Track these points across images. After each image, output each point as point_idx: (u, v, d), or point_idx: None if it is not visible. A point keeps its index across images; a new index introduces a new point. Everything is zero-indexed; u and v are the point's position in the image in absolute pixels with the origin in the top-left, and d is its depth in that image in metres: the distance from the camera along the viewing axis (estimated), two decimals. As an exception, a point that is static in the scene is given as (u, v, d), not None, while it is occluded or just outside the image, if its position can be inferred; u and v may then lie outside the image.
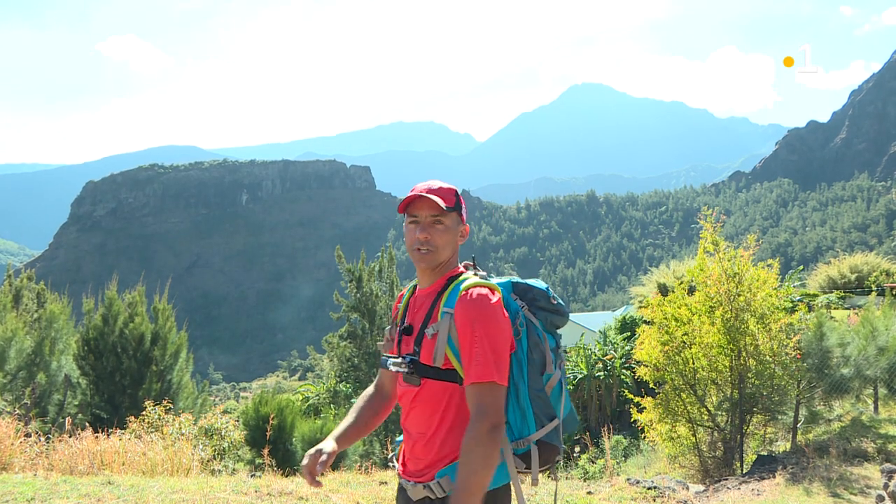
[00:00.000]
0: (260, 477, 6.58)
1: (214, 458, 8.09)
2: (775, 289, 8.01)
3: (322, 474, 2.18)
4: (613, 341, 22.55)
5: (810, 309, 14.79)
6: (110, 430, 7.49)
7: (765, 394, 7.90)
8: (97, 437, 7.03)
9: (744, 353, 7.80)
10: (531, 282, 2.25)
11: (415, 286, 2.27)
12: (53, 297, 14.50)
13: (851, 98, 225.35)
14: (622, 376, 20.35)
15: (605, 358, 21.42)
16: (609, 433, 9.08)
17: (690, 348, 8.06)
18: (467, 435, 1.90)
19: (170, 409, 8.61)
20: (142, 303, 12.13)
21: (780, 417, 8.22)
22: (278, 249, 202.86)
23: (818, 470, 6.58)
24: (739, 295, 7.82)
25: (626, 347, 20.93)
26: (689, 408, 8.19)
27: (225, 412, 10.36)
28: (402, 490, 2.17)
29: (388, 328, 2.31)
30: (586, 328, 35.55)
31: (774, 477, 6.58)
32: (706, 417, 8.25)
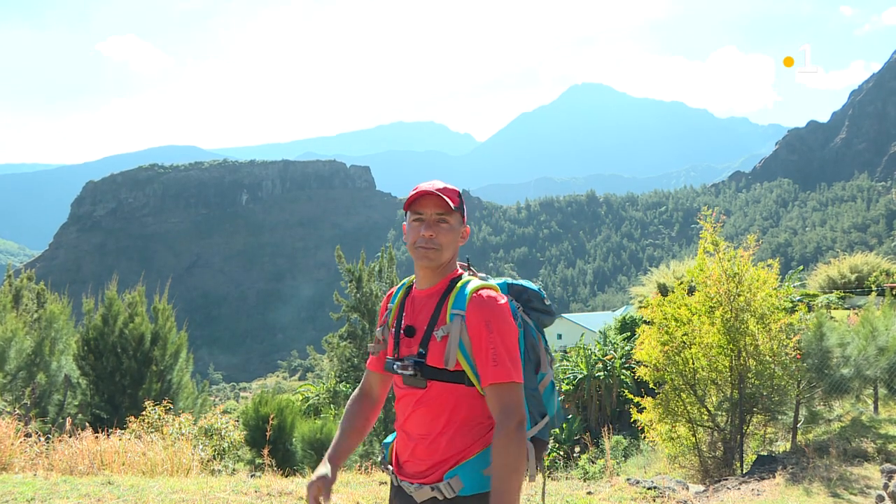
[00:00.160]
0: (260, 477, 6.59)
1: (214, 459, 8.09)
2: (775, 289, 8.01)
3: (328, 500, 2.17)
4: (613, 341, 22.56)
5: (810, 309, 14.79)
6: (110, 430, 7.48)
7: (765, 394, 7.90)
8: (97, 437, 7.03)
9: (744, 354, 7.81)
10: (525, 283, 2.29)
11: (408, 286, 2.25)
12: (53, 297, 14.50)
13: (851, 98, 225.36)
14: (622, 376, 20.35)
15: (605, 358, 21.43)
16: (609, 433, 9.08)
17: (690, 348, 8.06)
18: (498, 437, 1.93)
19: (170, 409, 8.61)
20: (142, 303, 12.12)
21: (780, 417, 8.22)
22: (278, 249, 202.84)
23: (818, 470, 6.58)
24: (739, 295, 7.82)
25: (626, 347, 20.94)
26: (689, 408, 8.19)
27: (225, 412, 10.35)
28: (399, 492, 2.15)
29: (379, 329, 2.26)
30: (586, 328, 35.61)
31: (774, 477, 6.58)
32: (706, 417, 8.26)
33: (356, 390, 2.39)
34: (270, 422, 9.45)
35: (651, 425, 8.61)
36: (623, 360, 20.66)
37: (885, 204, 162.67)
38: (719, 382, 8.18)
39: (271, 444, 9.12)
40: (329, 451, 2.29)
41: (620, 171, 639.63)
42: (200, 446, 7.79)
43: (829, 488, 6.11)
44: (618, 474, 8.04)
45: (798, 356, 7.89)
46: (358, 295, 18.84)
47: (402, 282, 2.31)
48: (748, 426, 8.13)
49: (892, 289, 22.41)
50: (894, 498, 5.20)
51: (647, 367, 8.42)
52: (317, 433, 10.62)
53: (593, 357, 21.60)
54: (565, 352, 28.18)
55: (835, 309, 21.91)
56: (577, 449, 13.73)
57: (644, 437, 9.67)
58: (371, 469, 7.37)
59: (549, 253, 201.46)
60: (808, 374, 7.99)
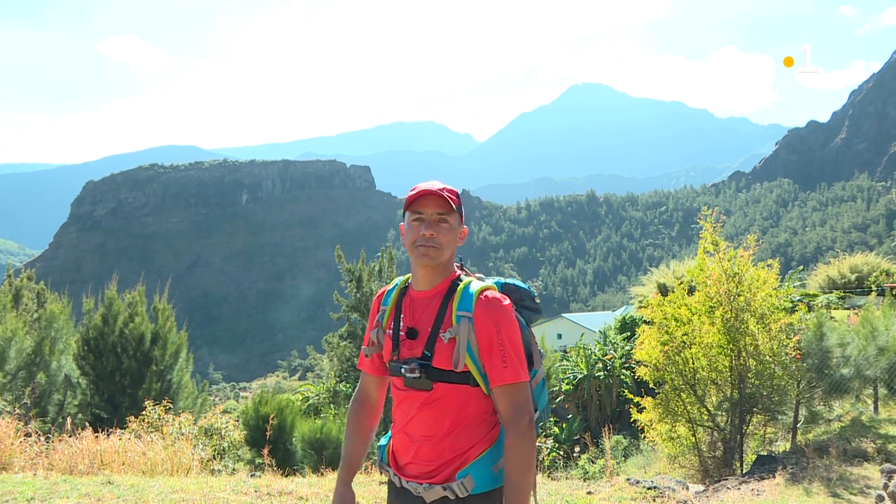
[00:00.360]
0: (260, 477, 6.59)
1: (214, 458, 8.09)
2: (775, 289, 8.01)
3: None
4: (613, 341, 22.56)
5: (810, 309, 14.79)
6: (110, 430, 7.48)
7: (765, 394, 7.90)
8: (97, 436, 7.03)
9: (744, 353, 7.81)
10: (516, 282, 2.33)
11: (402, 287, 2.23)
12: (53, 296, 14.50)
13: (851, 98, 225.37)
14: (622, 376, 20.35)
15: (605, 358, 21.42)
16: (609, 433, 9.09)
17: (690, 348, 8.06)
18: (511, 435, 1.98)
19: (170, 408, 8.62)
20: (142, 303, 12.12)
21: (779, 417, 8.22)
22: (278, 249, 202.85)
23: (818, 470, 6.58)
24: (739, 295, 7.82)
25: (626, 347, 20.94)
26: (688, 408, 8.19)
27: (225, 412, 10.36)
28: (403, 493, 2.14)
29: (374, 332, 2.24)
30: (586, 328, 35.62)
31: (774, 477, 6.58)
32: (706, 417, 8.26)
33: (354, 397, 2.38)
34: (270, 422, 9.45)
35: (651, 425, 8.62)
36: (623, 359, 20.65)
37: (885, 204, 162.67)
38: (719, 382, 8.18)
39: (271, 443, 9.13)
40: (340, 468, 2.31)
41: (620, 170, 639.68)
42: (200, 446, 7.79)
43: (828, 488, 6.11)
44: (618, 474, 8.04)
45: (798, 356, 7.89)
46: (358, 295, 18.84)
47: (394, 282, 2.29)
48: (748, 426, 8.13)
49: (892, 289, 22.41)
50: (894, 498, 5.20)
51: (647, 366, 8.43)
52: (317, 433, 10.61)
53: (593, 357, 21.60)
54: (565, 351, 28.19)
55: (835, 309, 21.91)
56: (577, 449, 13.74)
57: (644, 437, 9.67)
58: (371, 469, 7.37)
59: (549, 253, 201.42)
60: (808, 374, 7.99)
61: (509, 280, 2.33)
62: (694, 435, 8.23)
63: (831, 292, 28.88)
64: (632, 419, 9.33)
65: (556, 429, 17.92)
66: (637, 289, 37.14)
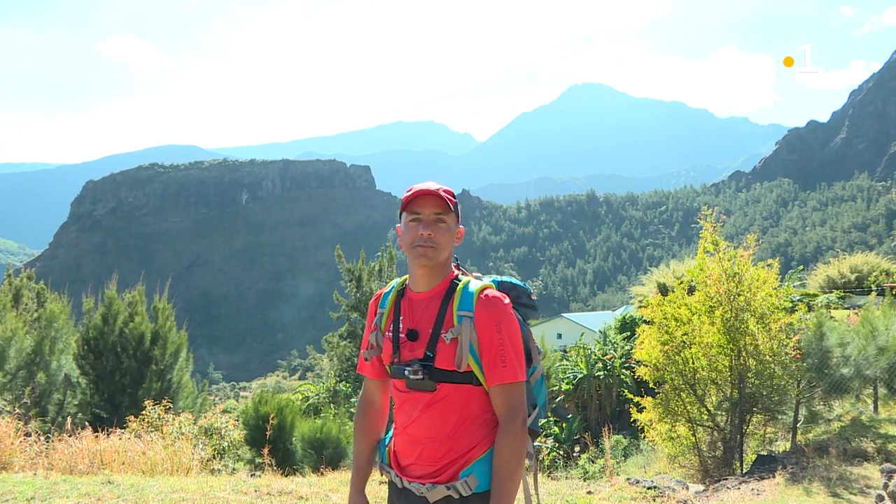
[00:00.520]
0: (260, 476, 6.59)
1: (214, 458, 8.09)
2: (775, 289, 8.01)
3: None
4: (613, 341, 22.55)
5: (810, 309, 14.80)
6: (110, 430, 7.48)
7: (765, 394, 7.90)
8: (97, 436, 7.03)
9: (744, 353, 7.81)
10: (513, 280, 2.35)
11: (399, 289, 2.23)
12: (53, 296, 14.50)
13: (851, 98, 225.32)
14: (622, 376, 20.34)
15: (605, 358, 21.41)
16: (609, 433, 9.09)
17: (690, 348, 8.06)
18: (503, 434, 2.00)
19: (169, 408, 8.62)
20: (142, 302, 12.12)
21: (779, 417, 8.22)
22: (278, 249, 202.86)
23: (818, 470, 6.58)
24: (739, 295, 7.82)
25: (626, 347, 20.93)
26: (688, 407, 8.19)
27: (225, 412, 10.35)
28: (405, 493, 2.14)
29: (373, 334, 2.23)
30: (586, 328, 35.60)
31: (774, 477, 6.58)
32: (706, 417, 8.26)
33: (359, 403, 2.38)
34: (270, 421, 9.45)
35: (651, 425, 8.62)
36: (623, 359, 20.64)
37: (885, 204, 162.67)
38: (719, 382, 8.18)
39: (271, 443, 9.13)
40: (353, 475, 2.34)
41: (620, 170, 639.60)
42: (200, 446, 7.79)
43: (828, 488, 6.11)
44: (618, 474, 8.04)
45: (798, 356, 7.89)
46: (358, 294, 18.86)
47: (391, 285, 2.28)
48: (748, 426, 8.13)
49: (892, 288, 22.41)
50: (894, 498, 5.20)
51: (647, 366, 8.43)
52: (317, 433, 10.61)
53: (593, 357, 21.59)
54: (565, 351, 28.18)
55: (835, 309, 21.91)
56: (577, 448, 13.74)
57: (644, 437, 9.67)
58: (373, 469, 7.36)
59: (549, 252, 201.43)
60: (807, 373, 7.99)
61: (505, 278, 2.34)
62: (694, 435, 8.23)
63: (831, 292, 28.89)
64: (632, 419, 9.33)
65: (556, 428, 17.91)
66: (637, 288, 37.14)
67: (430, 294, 2.13)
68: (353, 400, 18.02)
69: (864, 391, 9.21)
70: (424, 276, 2.13)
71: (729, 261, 7.98)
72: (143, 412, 8.22)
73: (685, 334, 8.05)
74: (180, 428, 7.84)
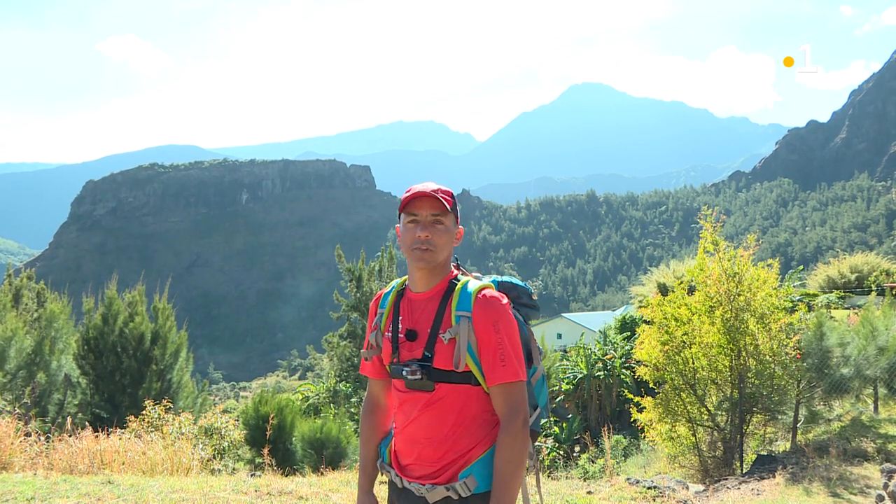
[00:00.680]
0: (260, 476, 6.59)
1: (214, 458, 8.09)
2: (775, 288, 8.01)
3: None
4: (613, 341, 22.55)
5: (810, 309, 14.80)
6: (110, 430, 7.48)
7: (765, 393, 7.90)
8: (97, 436, 7.03)
9: (744, 353, 7.81)
10: (513, 280, 2.34)
11: (399, 290, 2.23)
12: (53, 296, 14.50)
13: (851, 98, 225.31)
14: (622, 376, 20.34)
15: (605, 357, 21.41)
16: (609, 433, 9.09)
17: (690, 348, 8.06)
18: (504, 434, 1.99)
19: (170, 408, 8.61)
20: (142, 302, 12.12)
21: (779, 417, 8.22)
22: (278, 249, 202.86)
23: (818, 470, 6.58)
24: (739, 295, 7.82)
25: (626, 347, 20.93)
26: (688, 407, 8.19)
27: (225, 411, 10.35)
28: (405, 493, 2.14)
29: (373, 334, 2.24)
30: (586, 328, 35.60)
31: (774, 477, 6.58)
32: (706, 417, 8.26)
33: (364, 403, 2.39)
34: (270, 421, 9.45)
35: (651, 425, 8.62)
36: (623, 359, 20.64)
37: (885, 204, 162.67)
38: (719, 382, 8.18)
39: (271, 443, 9.13)
40: (360, 476, 2.34)
41: (620, 170, 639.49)
42: (200, 446, 7.79)
43: (828, 488, 6.11)
44: (618, 474, 8.04)
45: (798, 356, 7.89)
46: (358, 294, 18.86)
47: (391, 285, 2.29)
48: (748, 426, 8.13)
49: (892, 288, 22.40)
50: (894, 498, 5.20)
51: (647, 366, 8.43)
52: (317, 433, 10.61)
53: (593, 356, 21.59)
54: (565, 351, 28.18)
55: (835, 309, 21.91)
56: (577, 448, 13.74)
57: (644, 437, 9.67)
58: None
59: (549, 252, 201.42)
60: (808, 373, 7.99)
61: (506, 278, 2.33)
62: (694, 435, 8.23)
63: (831, 292, 28.87)
64: (632, 419, 9.33)
65: (556, 428, 17.91)
66: (637, 288, 37.13)
67: (429, 294, 2.13)
68: (353, 400, 18.03)
69: (864, 391, 9.21)
70: (423, 277, 2.14)
71: (729, 261, 7.98)
72: (144, 412, 8.22)
73: (685, 334, 8.05)
74: (180, 428, 7.84)
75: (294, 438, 10.76)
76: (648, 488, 5.95)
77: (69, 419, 7.94)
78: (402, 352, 2.12)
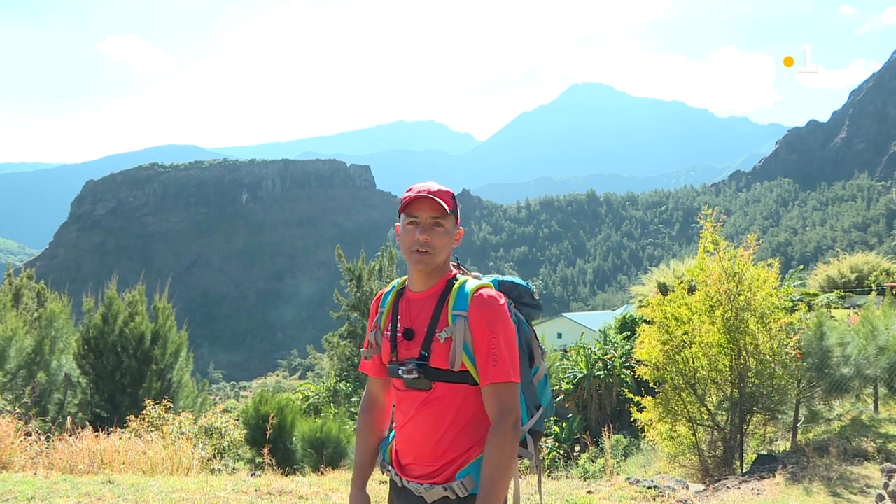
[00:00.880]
0: (260, 476, 6.59)
1: (214, 458, 8.10)
2: (775, 288, 8.01)
3: None
4: (613, 340, 22.55)
5: (810, 308, 14.79)
6: (110, 429, 7.48)
7: (765, 393, 7.90)
8: (97, 436, 7.03)
9: (744, 353, 7.81)
10: (514, 279, 2.32)
11: (399, 289, 2.24)
12: (53, 296, 14.50)
13: (851, 97, 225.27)
14: (622, 375, 20.34)
15: (605, 357, 21.42)
16: (609, 432, 9.08)
17: (690, 348, 8.06)
18: (493, 435, 1.97)
19: (170, 408, 8.62)
20: (142, 302, 12.12)
21: (780, 417, 8.22)
22: (278, 248, 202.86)
23: (818, 469, 6.58)
24: (739, 294, 7.82)
25: (626, 347, 20.93)
26: (689, 407, 8.19)
27: (225, 411, 10.36)
28: (405, 493, 2.15)
29: (372, 333, 2.25)
30: (586, 327, 35.60)
31: (774, 476, 6.58)
32: (706, 417, 8.26)
33: (363, 401, 2.39)
34: (270, 421, 9.45)
35: (651, 424, 8.62)
36: (623, 359, 20.65)
37: (886, 203, 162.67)
38: (719, 382, 8.18)
39: (271, 443, 9.13)
40: (354, 473, 2.34)
41: (620, 170, 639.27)
42: (200, 445, 7.80)
43: (829, 488, 6.11)
44: (618, 473, 8.04)
45: (798, 355, 7.89)
46: (358, 294, 18.86)
47: (392, 284, 2.29)
48: (748, 425, 8.13)
49: (892, 288, 22.40)
50: (894, 497, 5.20)
51: (647, 366, 8.43)
52: (317, 432, 10.61)
53: (593, 356, 21.60)
54: (565, 351, 28.19)
55: (835, 308, 21.90)
56: (577, 448, 13.75)
57: (644, 437, 9.67)
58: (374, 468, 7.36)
59: (549, 252, 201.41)
60: (808, 373, 7.99)
61: (506, 277, 2.32)
62: (694, 434, 8.23)
63: (831, 292, 28.86)
64: (632, 418, 9.33)
65: (556, 428, 17.92)
66: (637, 288, 37.12)
67: (427, 294, 2.13)
68: (353, 399, 18.03)
69: (865, 391, 9.21)
70: (421, 277, 2.14)
71: (729, 260, 7.98)
72: (144, 412, 8.22)
73: (685, 334, 8.05)
74: (180, 427, 7.84)
75: (294, 438, 10.76)
76: (648, 488, 5.95)
77: (69, 419, 7.94)
78: (400, 351, 2.12)
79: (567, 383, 21.30)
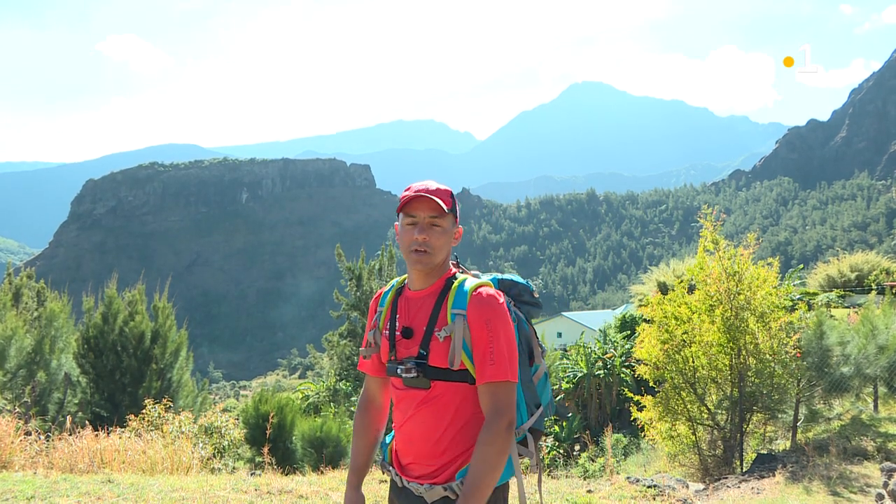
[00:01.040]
0: (260, 475, 6.59)
1: (214, 457, 8.10)
2: (775, 287, 8.01)
3: None
4: (613, 340, 22.55)
5: (810, 308, 14.78)
6: (110, 429, 7.49)
7: (765, 392, 7.90)
8: (97, 435, 7.03)
9: (744, 352, 7.81)
10: (514, 277, 2.31)
11: (398, 288, 2.24)
12: (53, 295, 14.50)
13: (852, 97, 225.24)
14: (622, 375, 20.35)
15: (605, 356, 21.42)
16: (609, 432, 9.08)
17: (690, 347, 8.06)
18: (485, 433, 1.95)
19: (170, 407, 8.62)
20: (142, 301, 12.13)
21: (779, 416, 8.22)
22: (278, 248, 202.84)
23: (818, 468, 6.58)
24: (739, 293, 7.82)
25: (626, 346, 20.93)
26: (688, 406, 8.19)
27: (225, 410, 10.36)
28: (405, 492, 2.14)
29: (371, 332, 2.25)
30: (586, 326, 35.61)
31: (774, 475, 6.58)
32: (706, 416, 8.26)
33: (360, 400, 2.38)
34: (270, 420, 9.45)
35: (651, 423, 8.62)
36: (623, 358, 20.65)
37: (886, 202, 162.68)
38: (719, 381, 8.18)
39: (271, 442, 9.13)
40: (349, 472, 2.33)
41: (620, 169, 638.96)
42: (200, 444, 7.80)
43: (828, 487, 6.12)
44: (618, 472, 8.04)
45: (798, 354, 7.89)
46: (358, 293, 18.85)
47: (390, 283, 2.29)
48: (748, 424, 8.13)
49: (892, 287, 22.40)
50: (894, 496, 5.20)
51: (647, 365, 8.43)
52: (317, 431, 10.61)
53: (593, 355, 21.60)
54: (565, 350, 28.19)
55: (835, 307, 21.91)
56: (577, 447, 13.75)
57: (644, 436, 9.67)
58: (372, 467, 7.36)
59: (549, 251, 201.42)
60: (808, 372, 7.99)
61: (506, 276, 2.31)
62: (694, 433, 8.23)
63: (831, 291, 28.89)
64: (632, 417, 9.33)
65: (556, 427, 17.92)
66: (637, 287, 37.15)
67: (426, 292, 2.13)
68: (353, 399, 18.02)
69: (865, 390, 9.22)
70: (420, 276, 2.14)
71: (729, 259, 7.98)
72: (144, 411, 8.23)
73: (685, 333, 8.05)
74: (180, 427, 7.84)
75: (294, 437, 10.76)
76: (648, 487, 5.95)
77: (69, 418, 7.94)
78: (398, 349, 2.12)
79: (567, 382, 21.31)
